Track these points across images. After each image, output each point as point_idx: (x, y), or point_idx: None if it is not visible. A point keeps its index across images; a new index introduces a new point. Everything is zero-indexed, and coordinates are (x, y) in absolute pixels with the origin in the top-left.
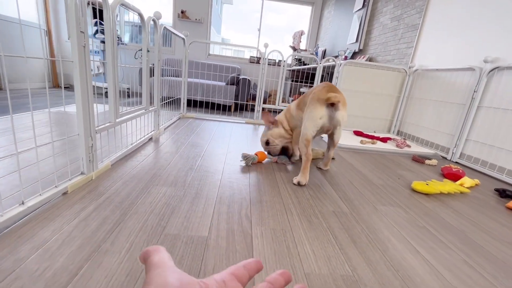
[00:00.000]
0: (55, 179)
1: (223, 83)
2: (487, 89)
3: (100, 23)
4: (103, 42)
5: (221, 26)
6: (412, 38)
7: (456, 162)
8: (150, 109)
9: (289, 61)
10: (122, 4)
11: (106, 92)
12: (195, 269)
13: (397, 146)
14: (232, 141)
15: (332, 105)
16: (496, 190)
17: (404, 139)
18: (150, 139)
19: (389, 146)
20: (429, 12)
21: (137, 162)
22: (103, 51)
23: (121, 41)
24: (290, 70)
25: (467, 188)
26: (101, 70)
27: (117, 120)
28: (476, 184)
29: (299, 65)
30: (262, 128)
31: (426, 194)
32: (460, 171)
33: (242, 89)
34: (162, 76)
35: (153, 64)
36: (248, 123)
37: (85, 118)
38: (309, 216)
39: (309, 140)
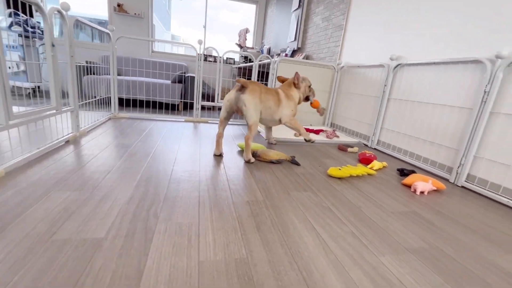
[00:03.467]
0: None
1: (168, 81)
2: (394, 83)
3: (16, 14)
4: (21, 35)
5: (171, 22)
6: (339, 38)
7: (375, 149)
8: (63, 109)
9: (237, 58)
10: None
11: (29, 93)
12: (78, 271)
13: (327, 137)
14: (163, 140)
15: (240, 90)
16: (398, 170)
17: (334, 130)
18: (67, 141)
19: (320, 137)
20: (351, 14)
21: (42, 168)
22: (22, 45)
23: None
24: (237, 67)
25: (376, 170)
26: (21, 68)
27: (10, 122)
28: (384, 166)
29: (245, 63)
30: (202, 126)
31: (339, 178)
32: (372, 155)
33: (188, 88)
34: (98, 75)
35: (86, 61)
36: (187, 121)
37: None
38: (221, 207)
39: (221, 120)
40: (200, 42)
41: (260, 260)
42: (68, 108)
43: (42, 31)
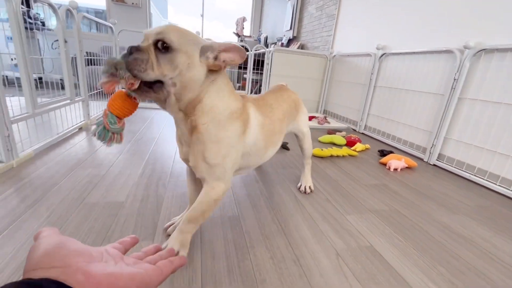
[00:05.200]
0: None
1: None
2: (379, 72)
3: None
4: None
5: (167, 9)
6: (331, 27)
7: (362, 133)
8: (76, 99)
9: None
10: None
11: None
12: (107, 224)
13: (318, 122)
14: (165, 128)
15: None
16: (379, 151)
17: (325, 116)
18: (80, 128)
19: (312, 123)
20: (343, 3)
21: (63, 150)
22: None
23: (44, 25)
24: None
25: (358, 151)
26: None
27: (36, 110)
28: (367, 148)
29: None
30: None
31: (322, 157)
32: (357, 139)
33: None
34: (99, 65)
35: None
36: None
37: None
38: None
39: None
40: (197, 33)
41: (249, 218)
42: (80, 98)
43: (42, 23)
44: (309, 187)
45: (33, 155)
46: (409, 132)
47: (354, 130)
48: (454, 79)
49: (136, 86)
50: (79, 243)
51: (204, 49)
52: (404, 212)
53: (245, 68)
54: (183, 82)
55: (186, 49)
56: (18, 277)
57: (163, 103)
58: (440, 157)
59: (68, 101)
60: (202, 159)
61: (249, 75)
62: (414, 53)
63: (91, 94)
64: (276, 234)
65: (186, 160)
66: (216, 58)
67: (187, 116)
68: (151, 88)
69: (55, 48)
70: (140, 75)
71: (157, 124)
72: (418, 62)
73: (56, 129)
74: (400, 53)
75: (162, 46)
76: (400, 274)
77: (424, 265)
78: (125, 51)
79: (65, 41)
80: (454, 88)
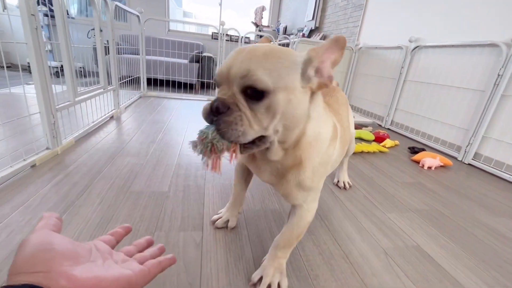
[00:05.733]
0: (23, 154)
1: (186, 61)
2: (411, 65)
3: None
4: (46, 15)
5: None
6: (358, 18)
7: (388, 129)
8: (108, 88)
9: (252, 37)
10: None
11: (57, 72)
12: (156, 213)
13: None
14: (193, 117)
15: None
16: (409, 148)
17: None
18: (111, 117)
19: None
20: None
21: (100, 138)
22: (48, 25)
23: (68, 14)
24: None
25: (388, 147)
26: (47, 48)
27: (76, 99)
28: (396, 144)
29: None
30: None
31: (353, 153)
32: (386, 134)
33: (203, 67)
34: (119, 54)
35: (107, 41)
36: (210, 100)
37: (45, 97)
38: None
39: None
40: (223, 23)
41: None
42: (112, 87)
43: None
44: (348, 183)
45: (74, 142)
46: (441, 129)
47: (380, 125)
48: (498, 75)
49: (238, 150)
50: (67, 241)
51: (304, 68)
52: (445, 212)
53: None
54: (286, 124)
55: (284, 84)
56: None
57: (264, 151)
58: (476, 156)
59: (102, 90)
60: (298, 187)
61: None
62: (452, 46)
63: (120, 84)
64: (320, 229)
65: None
66: (317, 70)
67: (287, 152)
68: (253, 143)
69: (90, 37)
70: (239, 140)
71: (184, 114)
72: (456, 55)
73: (92, 117)
74: (436, 46)
75: (254, 93)
76: (453, 276)
77: (475, 268)
78: (209, 108)
79: (101, 30)
80: (498, 85)
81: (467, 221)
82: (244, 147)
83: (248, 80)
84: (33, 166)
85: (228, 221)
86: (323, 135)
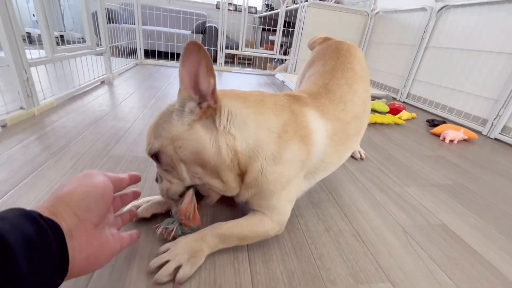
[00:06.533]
0: None
1: (188, 32)
2: (435, 29)
3: None
4: None
5: None
6: None
7: (403, 102)
8: (97, 49)
9: (259, 7)
10: None
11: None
12: None
13: None
14: None
15: None
16: (427, 120)
17: None
18: (103, 82)
19: None
20: None
21: (86, 101)
22: None
23: None
24: (260, 17)
25: (404, 120)
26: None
27: (55, 55)
28: (413, 117)
29: (268, 11)
30: (224, 75)
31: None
32: (401, 106)
33: (209, 38)
34: (118, 23)
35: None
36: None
37: (12, 47)
38: None
39: None
40: None
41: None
42: (101, 48)
43: None
44: (361, 153)
45: (55, 104)
46: (465, 101)
47: (394, 98)
48: None
49: (192, 207)
50: (107, 203)
51: (181, 109)
52: (473, 188)
53: (269, 30)
54: (201, 164)
55: (166, 136)
56: None
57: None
58: (504, 130)
59: (89, 50)
60: (256, 201)
61: (279, 36)
62: (488, 3)
63: (112, 47)
64: (326, 203)
65: None
66: (197, 95)
67: (243, 180)
68: (201, 197)
69: None
70: (171, 196)
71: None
72: (490, 14)
73: (78, 80)
74: (467, 5)
75: (156, 158)
76: (488, 261)
77: None
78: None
79: None
80: None
81: (498, 198)
82: (198, 203)
83: (148, 151)
84: (3, 126)
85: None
86: (264, 139)
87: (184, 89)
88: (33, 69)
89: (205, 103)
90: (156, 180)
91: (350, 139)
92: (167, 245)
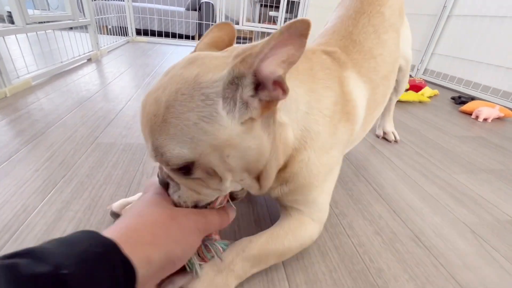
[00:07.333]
0: None
1: (183, 9)
2: None
3: None
4: None
5: None
6: None
7: (420, 79)
8: (80, 20)
9: None
10: None
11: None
12: (132, 170)
13: None
14: None
15: None
16: (452, 98)
17: None
18: (89, 59)
19: None
20: None
21: (70, 80)
22: None
23: None
24: None
25: (427, 97)
26: None
27: (28, 25)
28: (435, 95)
29: None
30: None
31: None
32: (423, 82)
33: (205, 15)
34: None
35: None
36: None
37: None
38: None
39: None
40: None
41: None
42: (85, 20)
43: None
44: (395, 135)
45: (32, 84)
46: (493, 75)
47: (410, 75)
48: None
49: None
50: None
51: (230, 96)
52: None
53: (271, 6)
54: (249, 168)
55: (208, 143)
56: (8, 225)
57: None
58: None
59: (70, 21)
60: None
61: (282, 10)
62: None
63: (102, 26)
64: (368, 196)
65: None
66: (257, 87)
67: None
68: (234, 198)
69: None
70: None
71: (176, 59)
72: None
73: (61, 57)
74: None
75: (179, 168)
76: None
77: None
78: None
79: None
80: None
81: None
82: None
83: (162, 160)
84: None
85: None
86: (315, 125)
87: (248, 65)
88: (4, 45)
89: (264, 92)
90: (164, 184)
91: (377, 106)
92: (178, 282)
